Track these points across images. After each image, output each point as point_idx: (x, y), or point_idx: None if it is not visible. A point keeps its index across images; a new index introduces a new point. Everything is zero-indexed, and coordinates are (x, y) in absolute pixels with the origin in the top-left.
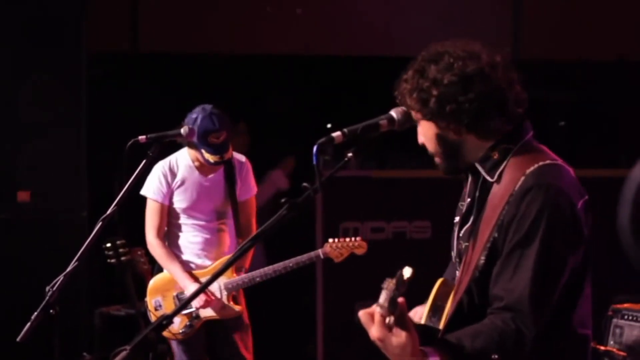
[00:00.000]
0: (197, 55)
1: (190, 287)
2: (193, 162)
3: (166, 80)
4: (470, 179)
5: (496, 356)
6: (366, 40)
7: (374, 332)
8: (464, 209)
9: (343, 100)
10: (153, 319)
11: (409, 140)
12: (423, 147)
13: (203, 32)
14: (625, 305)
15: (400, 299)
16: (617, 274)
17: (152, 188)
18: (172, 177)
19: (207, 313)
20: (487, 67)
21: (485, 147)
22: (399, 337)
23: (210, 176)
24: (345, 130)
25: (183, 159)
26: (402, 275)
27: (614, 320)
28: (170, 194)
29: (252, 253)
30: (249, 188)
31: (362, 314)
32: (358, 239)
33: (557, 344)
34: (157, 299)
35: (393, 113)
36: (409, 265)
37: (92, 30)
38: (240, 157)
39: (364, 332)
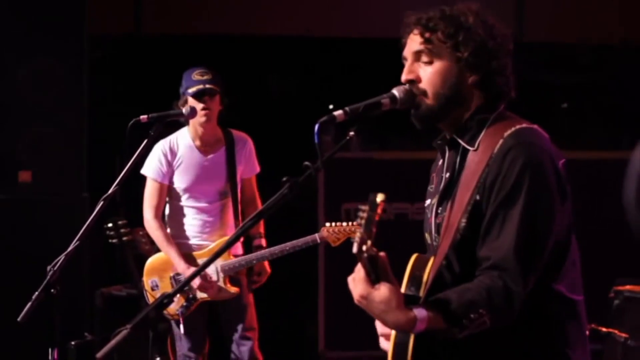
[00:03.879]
0: (200, 37)
1: (188, 272)
2: (193, 141)
3: (169, 62)
4: (447, 155)
5: (483, 311)
6: (369, 22)
7: (357, 290)
8: (444, 183)
9: (346, 83)
10: (150, 299)
11: (411, 121)
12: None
13: (206, 14)
14: (627, 287)
15: (382, 254)
16: (620, 256)
17: (151, 167)
18: (172, 157)
19: (204, 294)
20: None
21: (466, 115)
22: (382, 291)
23: (210, 156)
24: (347, 108)
25: (183, 139)
26: (374, 198)
27: (616, 302)
28: (170, 174)
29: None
30: (252, 167)
31: (349, 279)
32: (355, 223)
33: (545, 306)
34: (153, 279)
35: (395, 92)
36: (412, 248)
37: (95, 12)
38: (242, 135)
39: (365, 313)
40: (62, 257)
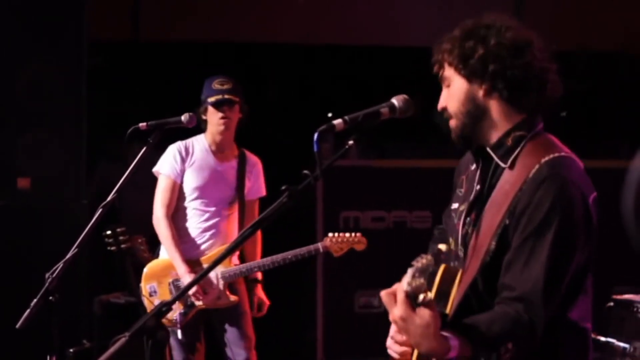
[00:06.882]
0: (198, 44)
1: (186, 277)
2: (209, 146)
3: (167, 68)
4: (480, 165)
5: (510, 345)
6: (368, 29)
7: (397, 311)
8: (474, 194)
9: (345, 90)
10: (147, 304)
11: (410, 129)
12: (429, 129)
13: (204, 21)
14: (626, 296)
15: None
16: (618, 265)
17: (165, 164)
18: (186, 155)
19: (201, 302)
20: (537, 44)
21: (505, 127)
22: (423, 316)
23: (223, 163)
24: (346, 117)
25: (199, 142)
26: (439, 250)
27: (615, 311)
28: (182, 172)
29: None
30: (258, 189)
31: (384, 294)
32: (358, 234)
33: (558, 337)
34: (152, 284)
35: (394, 101)
36: (411, 256)
37: (93, 19)
38: (254, 157)
39: (363, 321)
40: (60, 264)
